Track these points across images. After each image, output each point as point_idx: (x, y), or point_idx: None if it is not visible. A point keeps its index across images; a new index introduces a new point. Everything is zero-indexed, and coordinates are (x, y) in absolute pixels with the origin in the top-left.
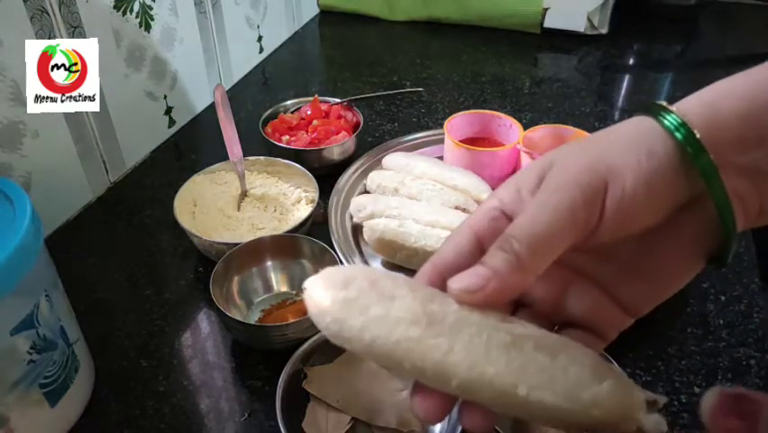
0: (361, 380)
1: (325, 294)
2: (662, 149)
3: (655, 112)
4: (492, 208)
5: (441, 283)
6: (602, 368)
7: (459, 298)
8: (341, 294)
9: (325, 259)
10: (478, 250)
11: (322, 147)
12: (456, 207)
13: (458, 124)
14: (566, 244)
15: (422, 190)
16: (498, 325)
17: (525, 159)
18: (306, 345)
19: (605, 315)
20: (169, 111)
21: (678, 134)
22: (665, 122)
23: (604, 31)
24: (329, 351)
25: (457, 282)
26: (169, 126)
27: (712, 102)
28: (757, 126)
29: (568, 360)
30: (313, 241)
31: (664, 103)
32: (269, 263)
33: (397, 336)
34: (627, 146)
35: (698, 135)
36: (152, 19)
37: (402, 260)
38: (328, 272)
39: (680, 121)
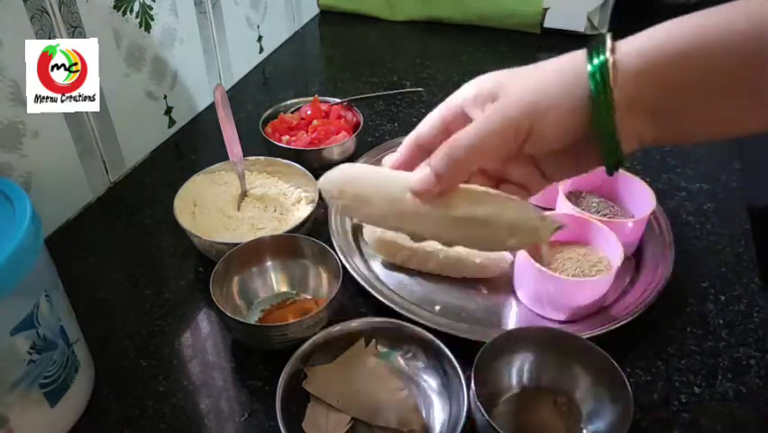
0: (360, 380)
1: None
2: (580, 93)
3: (593, 52)
4: (438, 120)
5: (419, 151)
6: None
7: (418, 199)
8: (338, 202)
9: (325, 259)
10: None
11: (322, 147)
12: None
13: None
14: (494, 156)
15: None
16: (443, 213)
17: None
18: (306, 345)
19: (533, 179)
20: (169, 111)
21: (592, 83)
22: (590, 67)
23: (604, 31)
24: (329, 351)
25: (415, 186)
26: (169, 126)
27: (648, 52)
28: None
29: (492, 213)
30: (313, 241)
31: (608, 44)
32: (269, 263)
33: (388, 225)
34: (556, 86)
35: (613, 95)
36: (152, 19)
37: (402, 260)
38: (327, 181)
39: (603, 69)
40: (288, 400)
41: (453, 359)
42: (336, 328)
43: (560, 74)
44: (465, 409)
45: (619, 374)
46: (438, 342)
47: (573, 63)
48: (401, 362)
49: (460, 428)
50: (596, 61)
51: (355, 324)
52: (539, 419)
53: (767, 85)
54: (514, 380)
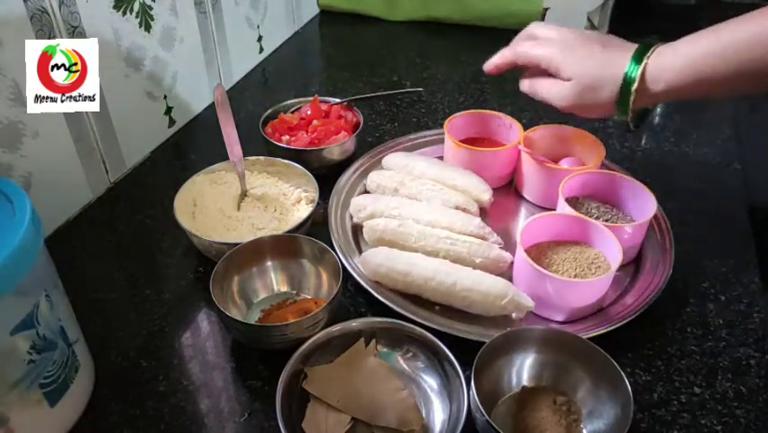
0: (361, 380)
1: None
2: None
3: (639, 55)
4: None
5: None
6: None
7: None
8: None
9: (325, 259)
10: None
11: (322, 147)
12: (456, 207)
13: (458, 124)
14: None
15: (422, 190)
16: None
17: (525, 159)
18: (306, 345)
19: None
20: (169, 111)
21: (627, 81)
22: (629, 71)
23: (604, 31)
24: (329, 351)
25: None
26: (169, 126)
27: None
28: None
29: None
30: (313, 241)
31: (652, 49)
32: (269, 263)
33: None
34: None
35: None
36: (152, 19)
37: None
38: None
39: (636, 76)
40: (288, 400)
41: (453, 359)
42: (336, 328)
43: (613, 66)
44: (465, 409)
45: (619, 374)
46: (438, 342)
47: (623, 59)
48: (401, 362)
49: (460, 428)
50: (639, 64)
51: (355, 324)
52: (539, 419)
53: None
54: (514, 380)
